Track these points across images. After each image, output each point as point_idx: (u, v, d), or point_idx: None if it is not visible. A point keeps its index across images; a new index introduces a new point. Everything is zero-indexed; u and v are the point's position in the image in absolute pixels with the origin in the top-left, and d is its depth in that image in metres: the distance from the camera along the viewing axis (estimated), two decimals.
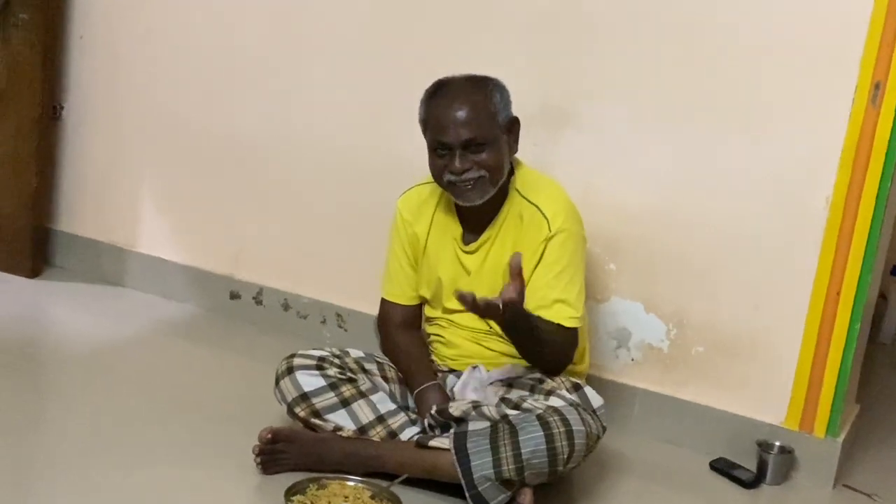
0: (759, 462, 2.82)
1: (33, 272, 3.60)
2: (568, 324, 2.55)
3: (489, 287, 2.61)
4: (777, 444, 2.83)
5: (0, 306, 3.36)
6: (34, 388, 2.95)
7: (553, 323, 2.52)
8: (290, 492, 2.37)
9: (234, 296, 3.49)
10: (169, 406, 2.82)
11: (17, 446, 2.53)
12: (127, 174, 3.64)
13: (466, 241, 2.65)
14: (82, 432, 2.63)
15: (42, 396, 2.94)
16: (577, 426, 2.35)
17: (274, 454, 2.50)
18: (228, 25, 3.41)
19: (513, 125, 2.58)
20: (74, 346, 3.16)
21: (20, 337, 3.18)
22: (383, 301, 2.78)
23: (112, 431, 2.64)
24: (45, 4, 3.44)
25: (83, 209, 3.70)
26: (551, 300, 2.55)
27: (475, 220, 2.63)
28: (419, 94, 2.59)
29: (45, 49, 3.48)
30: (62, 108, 3.64)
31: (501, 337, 2.64)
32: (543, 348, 2.53)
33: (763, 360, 2.87)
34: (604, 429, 2.48)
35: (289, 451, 2.50)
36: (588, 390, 2.54)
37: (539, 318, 2.50)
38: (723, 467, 2.84)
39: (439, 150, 2.52)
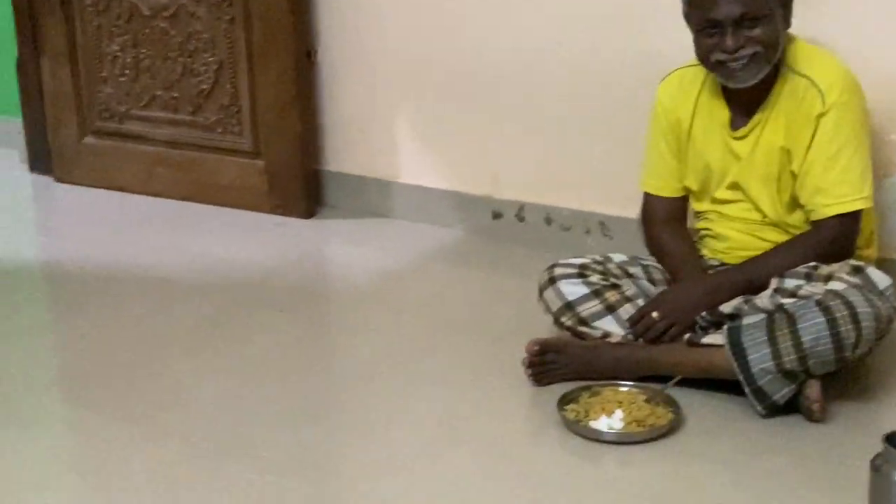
0: None
1: (308, 213, 3.73)
2: (849, 208, 2.37)
3: (762, 174, 2.45)
4: None
5: (282, 248, 3.52)
6: (322, 324, 3.09)
7: (804, 236, 2.41)
8: (564, 401, 2.34)
9: (497, 215, 3.48)
10: (443, 329, 2.86)
11: (311, 380, 2.66)
12: (384, 109, 3.69)
13: (735, 126, 2.48)
14: (368, 361, 2.72)
15: (327, 329, 3.08)
16: (862, 308, 2.16)
17: (544, 365, 2.47)
18: None
19: None
20: (353, 280, 3.27)
21: (305, 276, 3.34)
22: (645, 195, 2.66)
23: (393, 358, 2.72)
24: None
25: (346, 147, 3.79)
26: (829, 183, 2.36)
27: (744, 103, 2.46)
28: None
29: None
30: (316, 52, 3.74)
31: (777, 226, 2.48)
32: (808, 256, 2.36)
33: None
34: (895, 309, 2.27)
35: (558, 360, 2.47)
36: (872, 271, 2.32)
37: (772, 253, 2.42)
38: None
39: (708, 30, 2.36)
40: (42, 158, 4.17)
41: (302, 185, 3.72)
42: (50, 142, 4.12)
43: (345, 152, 3.79)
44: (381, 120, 3.71)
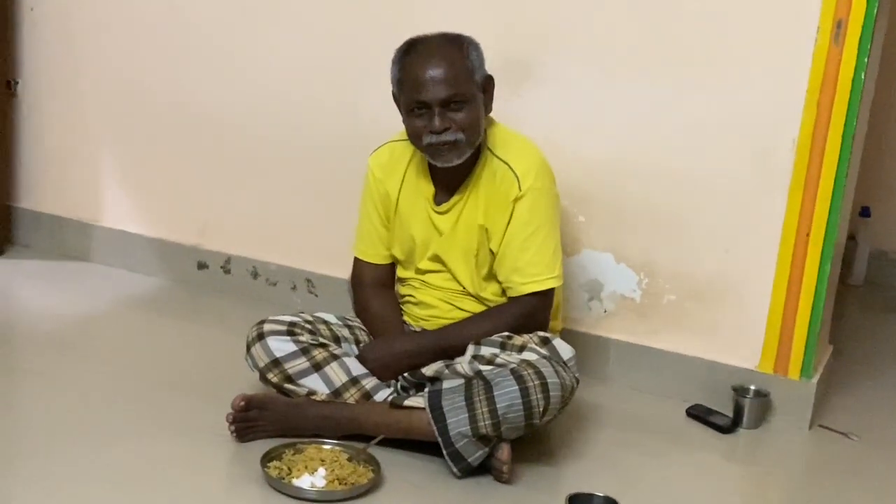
0: (735, 407, 2.82)
1: None
2: (543, 286, 2.54)
3: (462, 248, 2.59)
4: (752, 388, 2.84)
5: None
6: (5, 372, 2.90)
7: (501, 308, 2.57)
8: (267, 458, 2.36)
9: (202, 266, 3.45)
10: (141, 380, 2.79)
11: None
12: (88, 148, 3.58)
13: (438, 202, 2.61)
14: (54, 411, 2.59)
15: (11, 376, 2.89)
16: (551, 378, 2.34)
17: (248, 421, 2.48)
18: None
19: (488, 83, 2.54)
20: (43, 324, 3.12)
21: None
22: (356, 260, 2.75)
23: (85, 409, 2.61)
24: None
25: (45, 185, 3.64)
26: (524, 263, 2.53)
27: (447, 180, 2.59)
28: (382, 54, 2.54)
29: None
30: (17, 82, 3.58)
31: (475, 297, 2.63)
32: (503, 327, 2.53)
33: (735, 304, 2.87)
34: (577, 380, 2.47)
35: (263, 417, 2.48)
36: (558, 342, 2.53)
37: (470, 320, 2.58)
38: (699, 414, 2.85)
39: (417, 110, 2.46)
40: None
41: None
42: None
43: (43, 190, 3.64)
44: (85, 159, 3.59)
